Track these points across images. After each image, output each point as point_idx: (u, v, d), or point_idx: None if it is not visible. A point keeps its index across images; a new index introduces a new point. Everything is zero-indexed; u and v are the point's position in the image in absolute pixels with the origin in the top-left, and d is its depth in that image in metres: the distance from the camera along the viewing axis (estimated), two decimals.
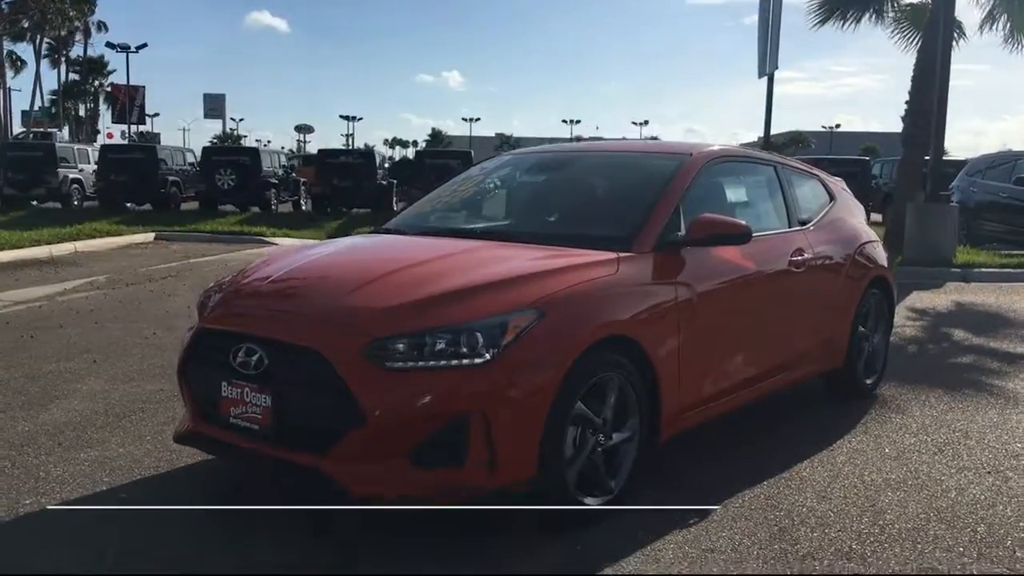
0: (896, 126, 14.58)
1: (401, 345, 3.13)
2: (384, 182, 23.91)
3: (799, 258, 4.72)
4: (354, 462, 3.13)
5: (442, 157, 25.42)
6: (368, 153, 25.94)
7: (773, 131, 18.01)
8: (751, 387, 4.43)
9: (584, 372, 3.32)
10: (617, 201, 4.37)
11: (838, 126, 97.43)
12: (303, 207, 25.34)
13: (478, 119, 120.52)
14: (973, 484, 4.02)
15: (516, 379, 3.15)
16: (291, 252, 4.24)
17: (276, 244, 16.15)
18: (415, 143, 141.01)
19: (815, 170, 5.62)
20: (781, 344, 4.69)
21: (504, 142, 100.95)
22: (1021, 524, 3.56)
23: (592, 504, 3.44)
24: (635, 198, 4.19)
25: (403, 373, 3.11)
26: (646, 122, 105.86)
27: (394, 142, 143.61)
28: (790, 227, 4.88)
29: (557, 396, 3.21)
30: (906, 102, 14.02)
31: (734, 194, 4.72)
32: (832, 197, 5.50)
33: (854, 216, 5.68)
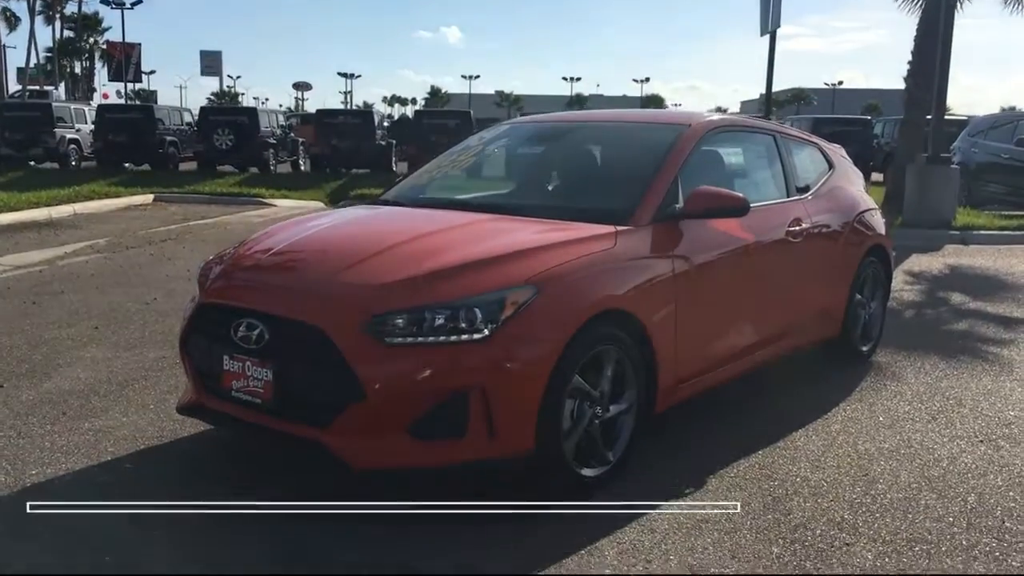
0: (899, 82, 14.49)
1: (400, 320, 3.16)
2: (383, 142, 23.79)
3: (797, 228, 4.73)
4: (355, 435, 3.18)
5: (440, 117, 25.24)
6: (367, 113, 25.76)
7: (775, 88, 17.84)
8: (746, 358, 4.47)
9: (582, 346, 3.36)
10: (615, 173, 4.37)
11: (840, 83, 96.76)
12: (302, 167, 25.24)
13: (477, 76, 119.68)
14: (965, 453, 4.08)
15: (514, 354, 3.18)
16: (291, 225, 4.26)
17: (275, 205, 16.15)
18: (414, 100, 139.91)
19: (814, 138, 5.62)
20: (777, 315, 4.72)
21: (504, 99, 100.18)
22: (1011, 494, 3.63)
23: (589, 474, 3.50)
24: (633, 170, 4.19)
25: (402, 348, 3.14)
26: (647, 79, 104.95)
27: (393, 99, 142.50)
28: (788, 196, 4.89)
29: (555, 370, 3.26)
30: (908, 62, 13.92)
31: (732, 164, 4.72)
32: (831, 165, 5.50)
33: (853, 184, 5.68)
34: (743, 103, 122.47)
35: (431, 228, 3.80)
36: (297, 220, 4.40)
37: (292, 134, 25.83)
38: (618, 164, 4.47)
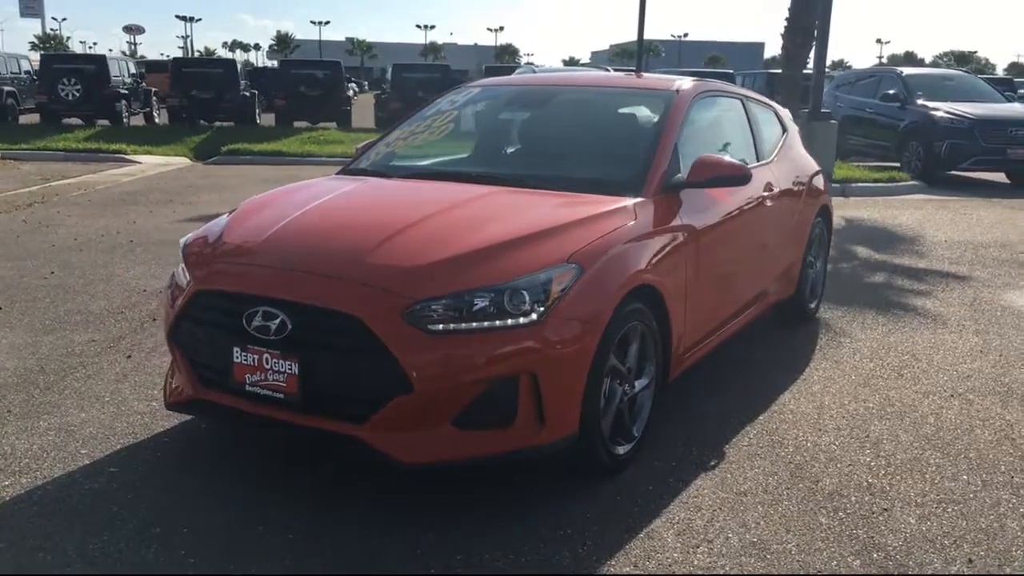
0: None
1: (444, 307, 2.96)
2: (247, 93, 22.66)
3: (769, 192, 4.78)
4: (397, 430, 2.97)
5: (309, 67, 24.23)
6: (229, 61, 24.39)
7: (622, 39, 18.09)
8: (734, 320, 4.52)
9: (617, 324, 3.27)
10: (616, 142, 4.26)
11: (686, 35, 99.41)
12: (156, 120, 23.74)
13: (327, 22, 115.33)
14: (944, 408, 4.27)
15: (564, 336, 3.05)
16: (277, 198, 3.92)
17: (140, 163, 15.10)
18: (257, 47, 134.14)
19: (770, 101, 5.68)
20: (757, 277, 4.79)
21: (356, 47, 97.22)
22: (1004, 447, 3.83)
23: (621, 451, 3.44)
24: (633, 139, 4.10)
25: (447, 336, 2.95)
26: (501, 28, 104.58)
27: (234, 45, 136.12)
28: (759, 160, 4.93)
29: (597, 350, 3.16)
30: (786, 18, 14.34)
31: (714, 130, 4.69)
32: (784, 128, 5.59)
33: (800, 146, 5.80)
34: (593, 53, 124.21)
35: (446, 203, 3.58)
36: (279, 192, 4.06)
37: (144, 84, 24.19)
38: (615, 133, 4.35)
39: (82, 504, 3.17)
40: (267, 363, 3.09)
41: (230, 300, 3.22)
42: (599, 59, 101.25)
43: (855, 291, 6.67)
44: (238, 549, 2.89)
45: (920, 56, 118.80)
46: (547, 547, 2.93)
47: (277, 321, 3.05)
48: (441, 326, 2.95)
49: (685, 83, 4.52)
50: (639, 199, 3.68)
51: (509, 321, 2.99)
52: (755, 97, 5.42)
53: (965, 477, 3.53)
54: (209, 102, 21.42)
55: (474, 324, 2.97)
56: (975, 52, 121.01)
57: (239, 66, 24.37)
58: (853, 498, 3.33)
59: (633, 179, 3.79)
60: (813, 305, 5.82)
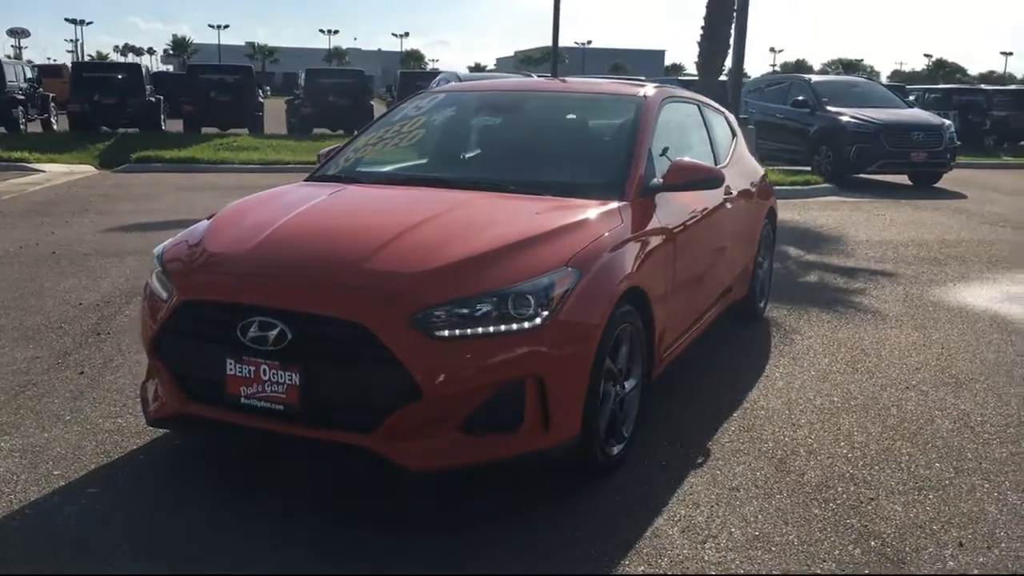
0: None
1: (449, 312, 2.94)
2: (153, 98, 21.93)
3: (728, 195, 4.91)
4: (404, 438, 2.93)
5: (218, 72, 23.63)
6: (134, 66, 23.65)
7: (526, 46, 18.27)
8: (702, 319, 4.62)
9: (612, 326, 3.30)
10: (595, 146, 4.31)
11: (590, 42, 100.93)
12: (54, 126, 22.75)
13: (226, 26, 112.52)
14: (903, 400, 4.46)
15: (567, 339, 3.07)
16: (256, 205, 3.81)
17: (44, 171, 14.45)
18: (151, 51, 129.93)
19: (720, 106, 5.82)
20: (721, 277, 4.91)
21: (257, 51, 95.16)
22: (965, 435, 4.02)
23: (615, 452, 3.48)
24: (612, 144, 4.16)
25: (454, 342, 2.93)
26: (407, 34, 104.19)
27: (126, 49, 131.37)
28: (717, 164, 5.04)
29: (597, 353, 3.19)
30: (702, 27, 14.72)
31: (677, 134, 4.78)
32: (734, 132, 5.74)
33: (747, 150, 5.97)
34: (498, 59, 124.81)
35: (435, 208, 3.54)
36: (256, 200, 3.94)
37: (41, 89, 23.15)
38: (592, 137, 4.41)
39: (66, 528, 3.02)
40: (264, 374, 3.00)
41: (222, 310, 3.12)
42: (504, 65, 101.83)
43: (793, 290, 6.90)
44: (249, 564, 2.81)
45: (810, 64, 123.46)
46: (558, 550, 2.94)
47: (276, 331, 2.97)
48: (447, 332, 2.93)
49: (650, 89, 4.60)
50: (623, 202, 3.73)
51: (514, 326, 2.99)
52: (708, 102, 5.56)
53: (938, 465, 3.69)
54: (113, 108, 20.65)
55: (480, 329, 2.96)
56: (861, 60, 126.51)
57: (144, 71, 23.49)
58: (839, 489, 3.44)
59: (614, 183, 3.84)
60: (762, 304, 6.00)
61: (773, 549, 2.98)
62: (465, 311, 2.96)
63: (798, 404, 4.36)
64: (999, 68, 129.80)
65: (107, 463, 3.54)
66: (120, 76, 21.42)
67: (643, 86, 4.66)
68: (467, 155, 4.50)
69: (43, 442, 3.71)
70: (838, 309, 6.30)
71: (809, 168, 15.00)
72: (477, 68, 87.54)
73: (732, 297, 5.32)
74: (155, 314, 3.31)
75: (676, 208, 4.16)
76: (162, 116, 22.87)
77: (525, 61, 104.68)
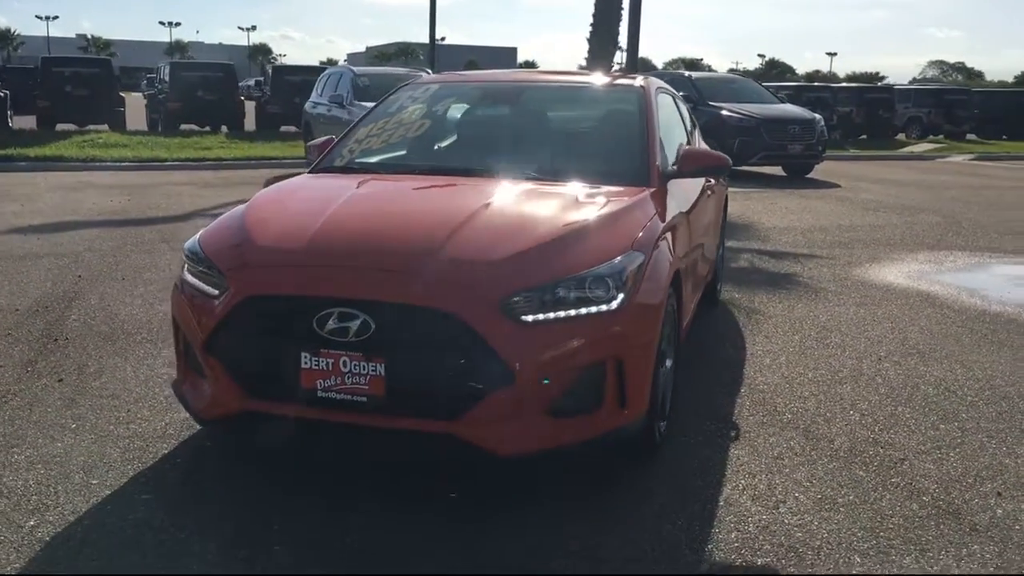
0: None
1: (536, 297, 2.95)
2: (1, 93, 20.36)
3: (707, 183, 5.10)
4: (492, 424, 2.92)
5: (74, 65, 22.19)
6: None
7: (377, 42, 18.02)
8: (696, 301, 4.80)
9: (666, 307, 3.41)
10: (612, 136, 4.40)
11: (443, 39, 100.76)
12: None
13: (55, 17, 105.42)
14: (883, 371, 4.78)
15: (641, 319, 3.16)
16: (290, 196, 3.68)
17: None
18: None
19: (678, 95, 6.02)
20: (709, 258, 5.12)
21: (91, 44, 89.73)
22: (952, 399, 4.35)
23: (662, 428, 3.58)
24: (627, 132, 4.26)
25: (541, 326, 2.95)
26: (254, 27, 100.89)
27: None
28: None
29: (661, 331, 3.29)
30: (591, 24, 15.07)
31: (668, 122, 4.91)
32: (694, 122, 5.96)
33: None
34: (350, 55, 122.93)
35: (485, 197, 3.54)
36: (278, 191, 3.81)
37: None
38: (606, 126, 4.48)
39: (140, 536, 2.84)
40: (345, 366, 2.92)
41: (294, 304, 3.02)
42: (356, 61, 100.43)
43: (732, 274, 7.22)
44: (345, 554, 2.73)
45: (654, 63, 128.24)
46: (642, 526, 3.01)
47: (358, 322, 2.90)
48: (532, 317, 2.94)
49: (641, 79, 4.73)
50: (652, 189, 3.84)
51: (594, 309, 3.04)
52: (676, 92, 5.75)
53: (943, 426, 3.99)
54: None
55: (562, 313, 2.99)
56: (701, 59, 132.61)
57: None
58: (870, 452, 3.67)
59: (639, 170, 3.95)
60: (719, 287, 6.26)
61: (842, 509, 3.16)
62: (549, 295, 2.99)
63: (796, 379, 4.60)
64: (824, 68, 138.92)
65: (145, 468, 3.34)
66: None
67: (633, 77, 4.78)
68: (482, 145, 4.48)
69: (60, 452, 3.46)
70: (783, 290, 6.65)
71: None
72: (329, 63, 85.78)
73: (710, 277, 5.54)
74: (204, 312, 3.15)
75: (684, 194, 4.31)
76: (9, 112, 21.28)
77: (379, 57, 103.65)
